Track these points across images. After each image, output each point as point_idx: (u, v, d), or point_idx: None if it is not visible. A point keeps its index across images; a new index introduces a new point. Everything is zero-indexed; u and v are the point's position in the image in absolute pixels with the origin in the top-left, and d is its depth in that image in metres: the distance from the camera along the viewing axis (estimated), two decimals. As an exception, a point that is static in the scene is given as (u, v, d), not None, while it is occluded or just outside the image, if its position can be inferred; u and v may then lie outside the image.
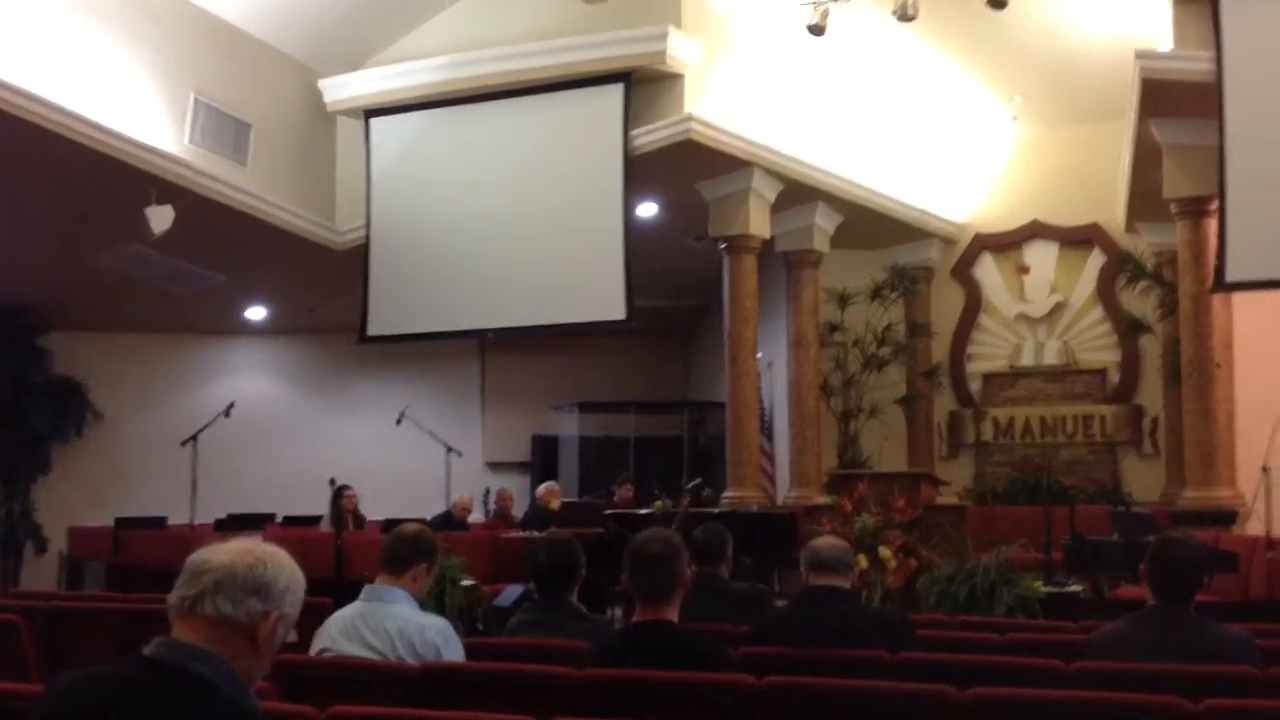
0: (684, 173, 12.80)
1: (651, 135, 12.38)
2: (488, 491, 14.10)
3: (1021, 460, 14.47)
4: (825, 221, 14.05)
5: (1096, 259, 14.51)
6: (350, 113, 13.90)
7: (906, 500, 9.85)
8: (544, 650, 4.34)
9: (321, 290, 15.32)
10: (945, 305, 15.18)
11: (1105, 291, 14.41)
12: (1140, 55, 10.63)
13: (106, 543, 12.57)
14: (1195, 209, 11.22)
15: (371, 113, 13.74)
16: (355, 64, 13.66)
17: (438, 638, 4.13)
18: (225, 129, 12.71)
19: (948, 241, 15.13)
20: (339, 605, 4.32)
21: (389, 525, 10.63)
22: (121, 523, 12.89)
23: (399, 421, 13.62)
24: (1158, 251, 13.47)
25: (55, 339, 16.06)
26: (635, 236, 12.63)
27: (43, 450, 15.97)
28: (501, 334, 15.07)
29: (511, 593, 8.15)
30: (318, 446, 16.31)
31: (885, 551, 9.15)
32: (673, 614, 3.96)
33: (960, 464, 14.78)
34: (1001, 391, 14.89)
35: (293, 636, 2.53)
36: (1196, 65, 10.33)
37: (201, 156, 12.33)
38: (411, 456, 14.56)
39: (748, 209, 12.94)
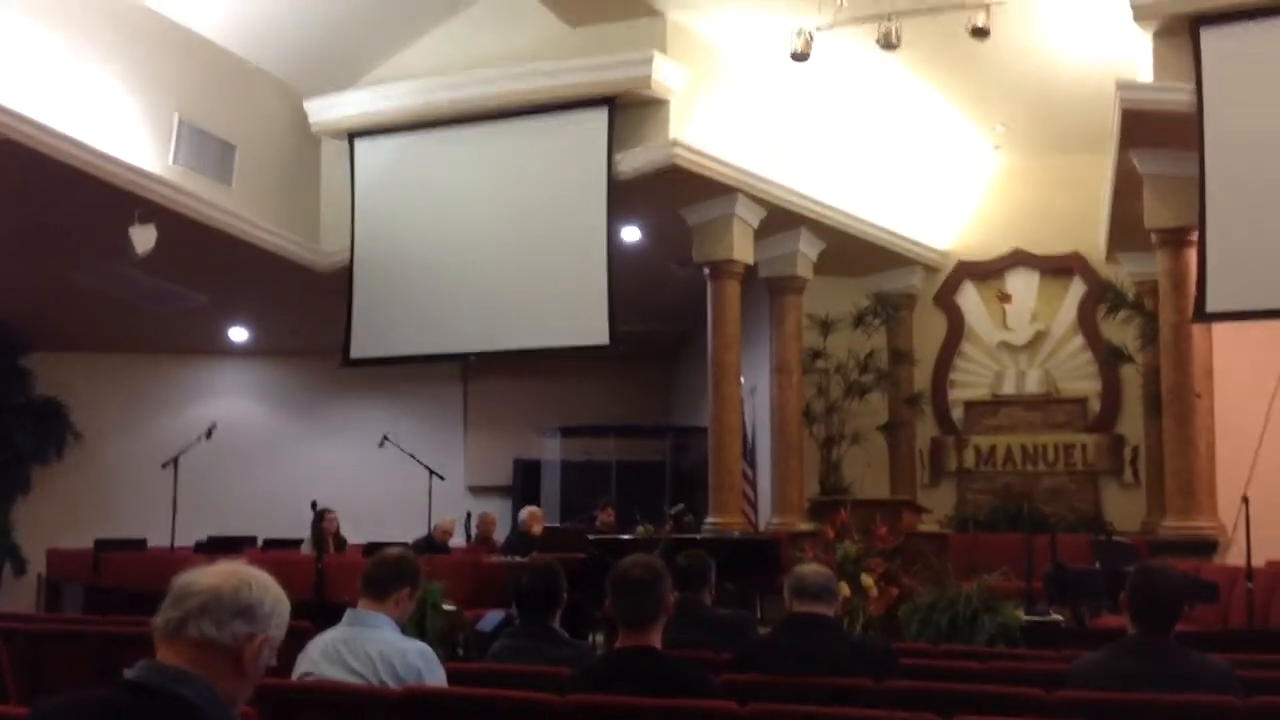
0: (668, 198, 12.83)
1: (636, 160, 12.42)
2: (469, 515, 14.05)
3: (1003, 488, 14.49)
4: (808, 248, 14.10)
5: (1077, 288, 14.59)
6: (335, 134, 13.91)
7: (888, 528, 9.84)
8: (526, 676, 4.33)
9: (305, 312, 15.28)
10: (927, 333, 15.22)
11: (1086, 320, 14.48)
12: (1121, 86, 10.71)
13: (86, 564, 12.49)
14: (1175, 239, 11.29)
15: (356, 134, 13.75)
16: (340, 85, 13.67)
17: (419, 661, 4.11)
18: (209, 149, 12.70)
19: (930, 269, 15.18)
20: (320, 629, 4.31)
21: (370, 549, 10.61)
22: (101, 544, 12.81)
23: (381, 445, 13.58)
24: (1138, 281, 13.54)
25: (36, 359, 16.01)
26: (619, 261, 12.65)
27: (23, 471, 15.88)
28: (484, 358, 15.05)
29: (493, 618, 8.10)
30: (299, 469, 16.25)
31: (867, 579, 9.15)
32: (656, 640, 3.96)
33: (942, 492, 14.79)
34: (983, 419, 14.92)
35: (272, 660, 2.52)
36: (1176, 97, 10.41)
37: (185, 177, 12.32)
38: (393, 480, 14.51)
39: (731, 235, 12.99)
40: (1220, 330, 11.62)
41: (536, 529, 12.34)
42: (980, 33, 10.76)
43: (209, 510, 14.06)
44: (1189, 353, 11.32)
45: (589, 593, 7.00)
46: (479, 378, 17.95)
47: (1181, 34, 10.44)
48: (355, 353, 13.83)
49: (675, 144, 12.14)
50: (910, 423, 15.01)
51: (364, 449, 14.91)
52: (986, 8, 10.71)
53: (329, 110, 13.71)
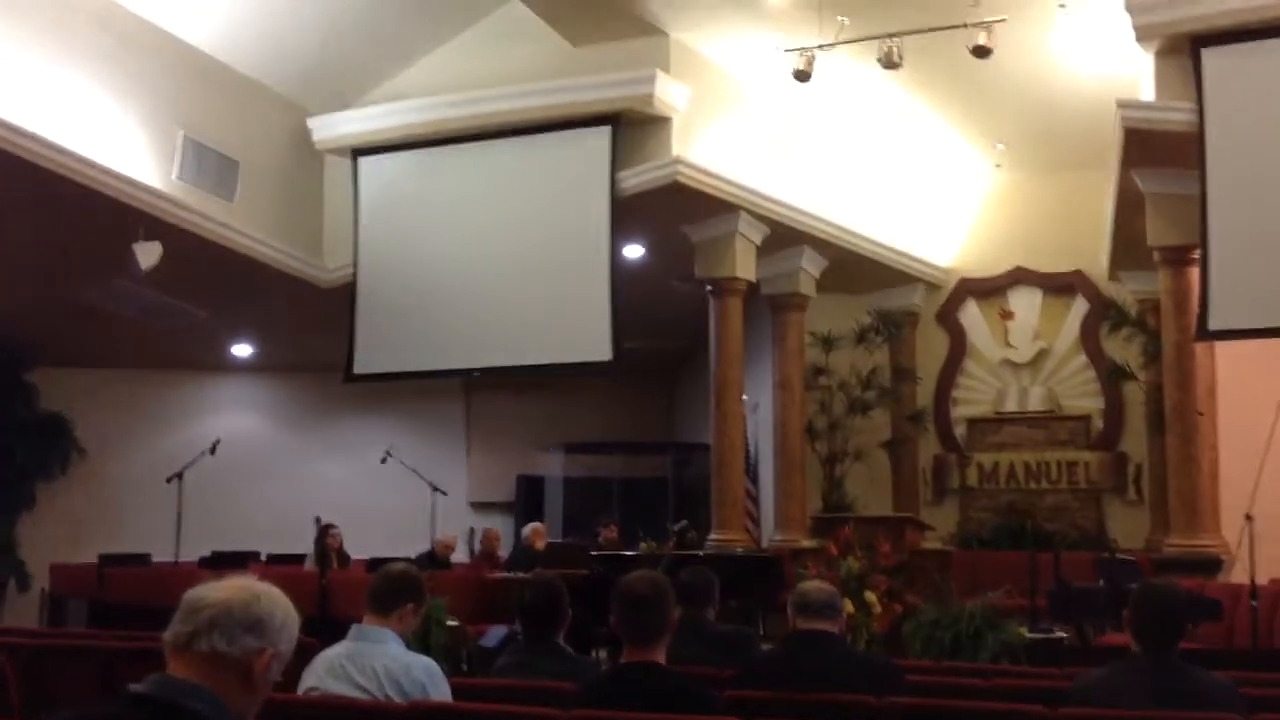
0: (670, 215, 12.87)
1: (638, 177, 12.45)
2: (473, 531, 14.05)
3: (1006, 506, 14.47)
4: (810, 265, 14.12)
5: (1080, 306, 14.60)
6: (338, 151, 13.96)
7: (891, 545, 9.85)
8: (531, 691, 4.34)
9: (308, 328, 15.31)
10: (930, 350, 15.23)
11: (1089, 338, 14.49)
12: (1122, 105, 10.73)
13: (90, 580, 12.47)
14: (1178, 257, 11.30)
15: (359, 151, 13.79)
16: (344, 103, 13.73)
17: (424, 676, 4.12)
18: (213, 166, 12.74)
19: (932, 287, 15.20)
20: (324, 645, 4.31)
21: (373, 564, 10.61)
22: (105, 560, 12.80)
23: (384, 460, 13.59)
24: (1140, 299, 13.55)
25: (40, 374, 16.03)
26: (621, 278, 12.67)
27: (26, 486, 15.89)
28: (487, 374, 15.06)
29: (496, 633, 8.10)
30: (303, 484, 16.26)
31: (870, 596, 9.14)
32: (661, 656, 3.96)
33: (945, 509, 14.79)
34: (986, 437, 14.92)
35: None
36: (1178, 115, 10.43)
37: (189, 193, 12.36)
38: (396, 496, 14.51)
39: (734, 252, 13.01)
40: (1223, 348, 11.62)
41: (540, 544, 12.35)
42: (982, 51, 10.79)
43: (213, 525, 14.04)
44: (1192, 371, 11.32)
45: (592, 609, 7.00)
46: (482, 394, 17.97)
47: (1183, 53, 10.46)
48: (358, 368, 13.85)
49: (678, 161, 12.18)
50: (913, 440, 15.01)
51: (367, 465, 14.90)
52: (988, 27, 10.74)
53: (332, 127, 13.76)
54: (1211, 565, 10.87)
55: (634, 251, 13.71)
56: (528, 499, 17.57)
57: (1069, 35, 11.67)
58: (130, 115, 11.82)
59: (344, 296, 13.80)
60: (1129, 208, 11.67)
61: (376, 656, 4.13)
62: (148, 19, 11.94)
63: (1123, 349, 13.69)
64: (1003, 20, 10.82)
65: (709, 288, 13.25)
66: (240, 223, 12.88)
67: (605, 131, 12.62)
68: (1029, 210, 14.72)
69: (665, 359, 17.98)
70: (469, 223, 13.32)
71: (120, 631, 6.96)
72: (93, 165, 11.11)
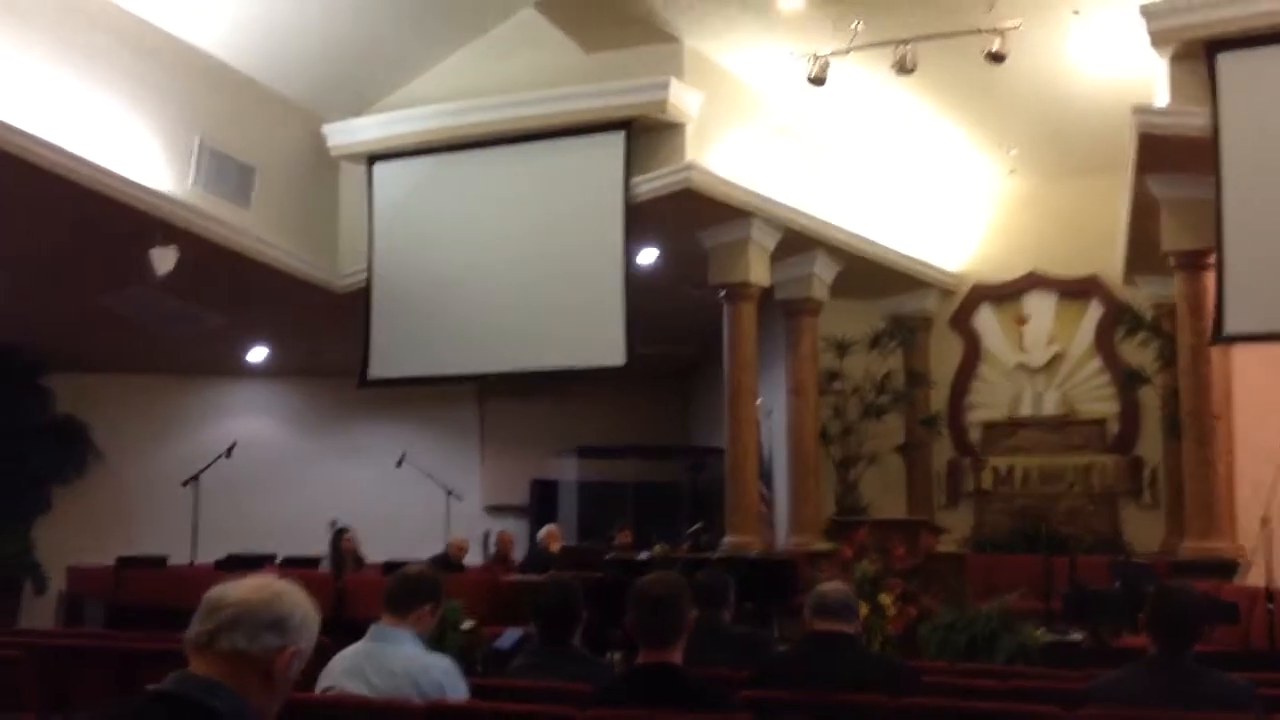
0: (684, 221, 12.88)
1: (652, 183, 12.45)
2: (488, 534, 14.07)
3: (1021, 510, 14.46)
4: (824, 271, 14.12)
5: (1095, 310, 14.59)
6: (353, 158, 13.98)
7: (906, 548, 9.84)
8: (548, 691, 4.35)
9: (323, 333, 15.35)
10: (944, 355, 15.23)
11: (1104, 343, 14.46)
12: (1137, 111, 10.71)
13: (107, 582, 12.52)
14: (1193, 262, 11.28)
15: (375, 158, 13.83)
16: (359, 110, 13.76)
17: (443, 677, 4.14)
18: (229, 172, 12.80)
19: (946, 292, 15.20)
20: (338, 646, 4.33)
21: (389, 567, 10.64)
22: (123, 562, 12.85)
23: (399, 464, 13.62)
24: (1156, 303, 13.52)
25: (57, 379, 16.08)
26: (635, 283, 12.67)
27: (43, 490, 15.95)
28: (501, 378, 15.08)
29: (511, 635, 8.11)
30: (318, 488, 16.28)
31: (885, 599, 9.14)
32: (677, 657, 3.97)
33: (960, 513, 14.77)
34: (1001, 441, 14.91)
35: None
36: (1193, 121, 10.40)
37: (205, 199, 12.41)
38: (411, 499, 14.53)
39: (747, 258, 13.02)
40: (1239, 352, 11.61)
41: (555, 547, 12.38)
42: (996, 57, 10.80)
43: (228, 529, 14.05)
44: (1208, 375, 11.29)
45: (607, 612, 7.01)
46: (496, 398, 17.98)
47: (1197, 59, 10.44)
48: (373, 373, 13.88)
49: (691, 167, 12.19)
50: (927, 444, 15.02)
51: (382, 469, 14.94)
52: (1002, 33, 10.75)
53: (347, 134, 13.80)
54: (1227, 569, 10.83)
55: (648, 257, 13.71)
56: (542, 503, 17.57)
57: (1083, 41, 11.66)
58: (147, 123, 11.88)
59: (359, 302, 13.83)
60: (1144, 212, 11.65)
61: (395, 656, 4.15)
62: (164, 28, 12.00)
63: (1138, 353, 13.65)
64: (1017, 26, 10.82)
65: (723, 293, 13.26)
66: (256, 229, 12.94)
67: (619, 138, 12.64)
68: (1043, 215, 14.71)
69: (679, 364, 17.99)
70: (483, 228, 13.34)
71: (137, 633, 6.99)
72: (109, 173, 11.17)
